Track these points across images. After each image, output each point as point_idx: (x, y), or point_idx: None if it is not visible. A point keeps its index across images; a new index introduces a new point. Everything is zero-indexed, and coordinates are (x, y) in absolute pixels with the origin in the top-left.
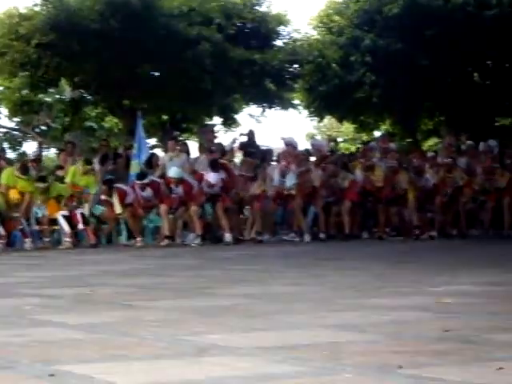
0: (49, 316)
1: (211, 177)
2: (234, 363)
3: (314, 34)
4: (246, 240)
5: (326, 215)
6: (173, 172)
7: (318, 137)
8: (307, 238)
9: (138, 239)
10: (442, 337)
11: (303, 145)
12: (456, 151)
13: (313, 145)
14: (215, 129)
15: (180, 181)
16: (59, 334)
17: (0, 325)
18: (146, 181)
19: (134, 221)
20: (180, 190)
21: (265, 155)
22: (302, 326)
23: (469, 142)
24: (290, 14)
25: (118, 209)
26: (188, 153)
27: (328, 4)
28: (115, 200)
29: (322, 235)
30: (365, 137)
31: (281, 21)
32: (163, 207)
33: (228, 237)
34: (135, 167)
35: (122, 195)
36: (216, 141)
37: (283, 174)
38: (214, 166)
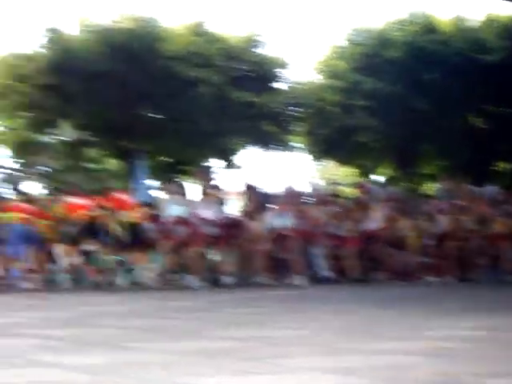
0: (46, 357)
1: (208, 214)
2: None
3: (318, 79)
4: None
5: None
6: (175, 211)
7: (318, 180)
8: (301, 280)
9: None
10: (440, 381)
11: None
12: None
13: (314, 188)
14: (214, 170)
15: (182, 220)
16: (56, 375)
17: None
18: None
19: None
20: (182, 229)
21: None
22: (298, 369)
23: (467, 186)
24: (290, 59)
25: None
26: (185, 195)
27: (332, 48)
28: None
29: (324, 273)
30: (365, 181)
31: (279, 64)
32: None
33: (228, 279)
34: None
35: None
36: (213, 182)
37: (279, 216)
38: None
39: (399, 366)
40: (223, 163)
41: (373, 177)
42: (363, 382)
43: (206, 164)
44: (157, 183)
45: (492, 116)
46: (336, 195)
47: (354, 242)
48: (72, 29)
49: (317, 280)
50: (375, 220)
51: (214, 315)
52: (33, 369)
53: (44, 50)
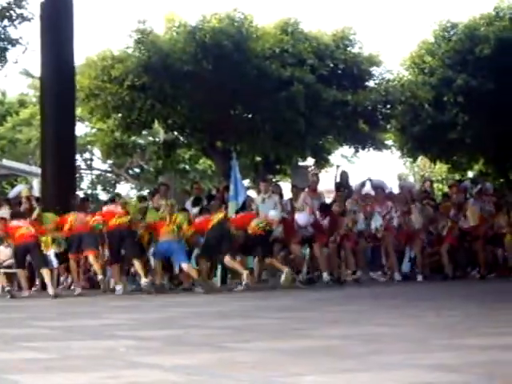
0: (143, 358)
1: (301, 218)
2: None
3: (406, 75)
4: (343, 280)
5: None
6: (273, 214)
7: (411, 178)
8: (397, 276)
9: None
10: None
11: (394, 186)
12: None
13: (402, 187)
14: (312, 169)
15: (281, 221)
16: (154, 375)
17: (95, 367)
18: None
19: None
20: (279, 230)
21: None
22: (395, 366)
23: None
24: (382, 55)
25: None
26: (281, 194)
27: (420, 44)
28: None
29: (419, 276)
30: (457, 177)
31: (373, 61)
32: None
33: (326, 277)
34: (233, 208)
35: None
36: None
37: (367, 217)
38: (324, 209)
39: (499, 361)
40: (317, 162)
41: (466, 173)
42: (461, 379)
43: (301, 163)
44: (250, 182)
45: None
46: (427, 193)
47: (450, 240)
48: (159, 27)
49: (408, 278)
50: (471, 217)
51: (310, 314)
52: (129, 370)
53: (135, 51)
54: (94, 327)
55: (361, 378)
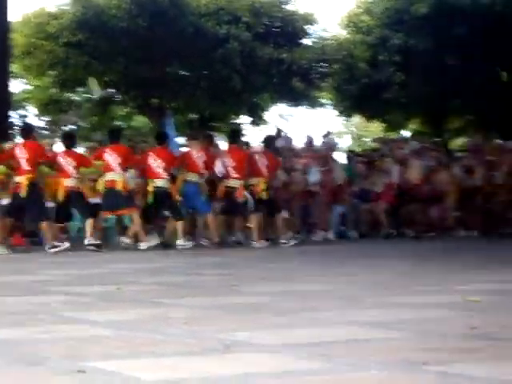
0: (76, 313)
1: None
2: (260, 360)
3: (343, 34)
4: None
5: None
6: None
7: (347, 136)
8: (331, 235)
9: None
10: (468, 334)
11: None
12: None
13: (325, 143)
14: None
15: None
16: (87, 331)
17: (28, 322)
18: None
19: None
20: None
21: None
22: (328, 323)
23: (497, 141)
24: (318, 14)
25: None
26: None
27: (358, 3)
28: None
29: (351, 234)
30: (393, 136)
31: (309, 20)
32: None
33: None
34: None
35: None
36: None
37: (305, 171)
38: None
39: (428, 319)
40: (252, 119)
41: (401, 132)
42: (392, 335)
43: (235, 121)
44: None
45: None
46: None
47: (387, 198)
48: None
49: (344, 237)
50: (412, 174)
51: (245, 271)
52: (60, 325)
53: (68, 8)
54: (28, 283)
55: (294, 334)
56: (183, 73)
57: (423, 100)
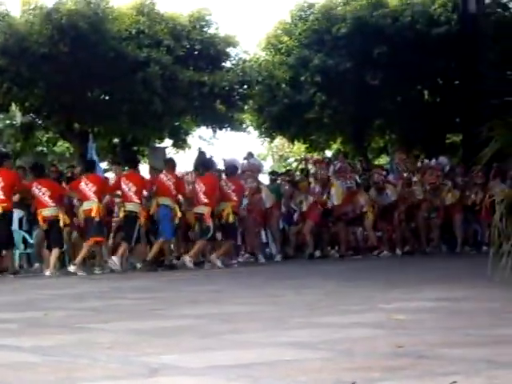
0: (1, 340)
1: None
2: (188, 383)
3: (263, 55)
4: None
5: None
6: None
7: (269, 158)
8: (261, 258)
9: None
10: (395, 353)
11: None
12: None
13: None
14: (167, 150)
15: None
16: (12, 357)
17: None
18: None
19: None
20: None
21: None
22: (254, 344)
23: (419, 158)
24: (238, 36)
25: None
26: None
27: (277, 25)
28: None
29: (277, 257)
30: (316, 156)
31: (229, 42)
32: None
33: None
34: None
35: None
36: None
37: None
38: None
39: (354, 338)
40: (175, 143)
41: (324, 152)
42: (319, 355)
43: (158, 145)
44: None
45: (444, 89)
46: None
47: (313, 217)
48: (15, 10)
49: (271, 258)
50: (335, 195)
51: (168, 294)
52: None
53: None
54: None
55: (218, 357)
56: (104, 97)
57: (345, 120)
